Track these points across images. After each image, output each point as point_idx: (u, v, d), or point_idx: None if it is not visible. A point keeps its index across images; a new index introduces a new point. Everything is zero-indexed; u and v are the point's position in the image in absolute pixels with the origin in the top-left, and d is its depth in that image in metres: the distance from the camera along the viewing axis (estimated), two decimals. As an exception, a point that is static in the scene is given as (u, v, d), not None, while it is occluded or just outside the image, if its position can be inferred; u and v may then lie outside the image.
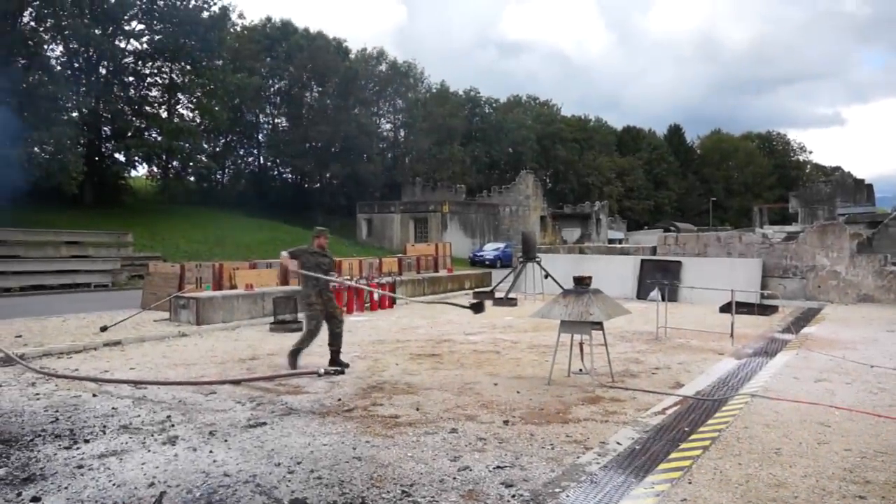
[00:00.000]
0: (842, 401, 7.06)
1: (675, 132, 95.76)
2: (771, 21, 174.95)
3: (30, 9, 34.14)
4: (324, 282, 8.83)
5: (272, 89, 56.24)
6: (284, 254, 8.93)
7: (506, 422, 6.30)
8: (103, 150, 41.10)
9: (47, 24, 35.53)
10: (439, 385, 7.92)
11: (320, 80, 55.06)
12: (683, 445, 5.58)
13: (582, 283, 8.10)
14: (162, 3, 39.79)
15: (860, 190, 54.22)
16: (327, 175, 56.63)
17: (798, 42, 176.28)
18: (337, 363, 8.78)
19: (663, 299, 12.97)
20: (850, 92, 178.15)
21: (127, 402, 7.13)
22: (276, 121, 58.53)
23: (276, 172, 60.34)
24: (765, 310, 15.55)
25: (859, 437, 5.82)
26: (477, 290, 21.29)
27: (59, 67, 36.93)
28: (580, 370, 8.44)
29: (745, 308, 14.57)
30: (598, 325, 7.95)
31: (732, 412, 6.60)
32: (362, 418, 6.42)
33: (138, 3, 39.12)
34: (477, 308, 8.25)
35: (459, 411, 6.70)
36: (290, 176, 60.36)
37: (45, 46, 35.69)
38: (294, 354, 8.78)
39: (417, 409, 6.77)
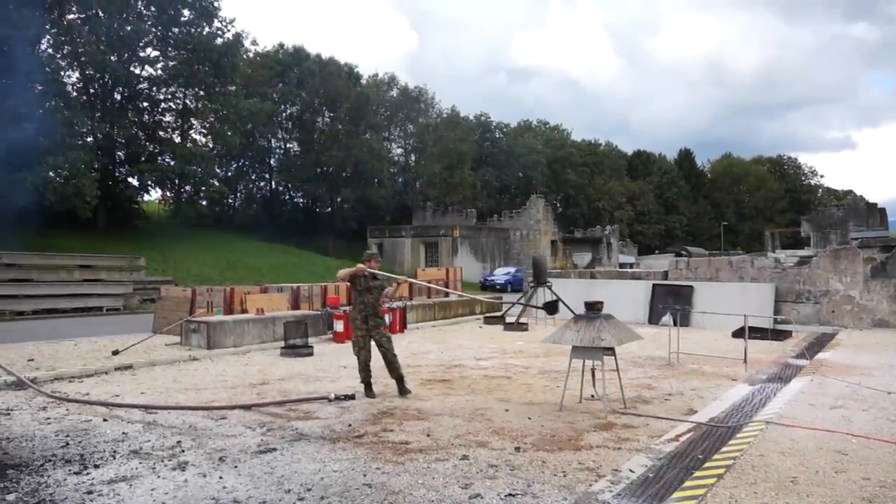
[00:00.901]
0: (859, 428, 6.96)
1: (686, 156, 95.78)
2: (779, 45, 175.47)
3: (48, 36, 34.70)
4: (371, 307, 8.74)
5: (284, 114, 56.66)
6: (341, 272, 8.89)
7: (517, 448, 6.24)
8: (117, 174, 41.44)
9: (64, 51, 36.08)
10: (450, 411, 7.87)
11: (332, 106, 55.48)
12: (698, 473, 5.51)
13: (593, 308, 8.06)
14: (177, 30, 40.33)
15: (873, 214, 53.87)
16: (338, 199, 56.85)
17: (807, 66, 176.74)
18: (402, 391, 8.66)
19: (675, 324, 12.88)
20: (861, 116, 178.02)
21: (137, 426, 7.12)
22: (287, 145, 58.92)
23: (287, 197, 60.68)
24: (778, 335, 15.42)
25: (878, 465, 5.73)
26: (488, 314, 21.23)
27: (74, 93, 37.43)
28: (592, 396, 8.37)
29: (758, 333, 14.45)
30: (610, 351, 7.90)
31: (747, 439, 6.51)
32: (373, 444, 6.38)
33: (154, 30, 39.68)
34: (550, 308, 8.19)
35: (470, 437, 6.64)
36: (301, 200, 60.67)
37: (62, 73, 36.20)
38: (365, 387, 8.76)
39: (428, 436, 6.72)
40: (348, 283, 9.13)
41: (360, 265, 8.79)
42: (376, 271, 8.86)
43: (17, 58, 30.02)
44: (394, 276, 9.12)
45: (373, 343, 8.77)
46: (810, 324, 17.86)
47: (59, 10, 35.50)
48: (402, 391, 8.64)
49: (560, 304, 17.50)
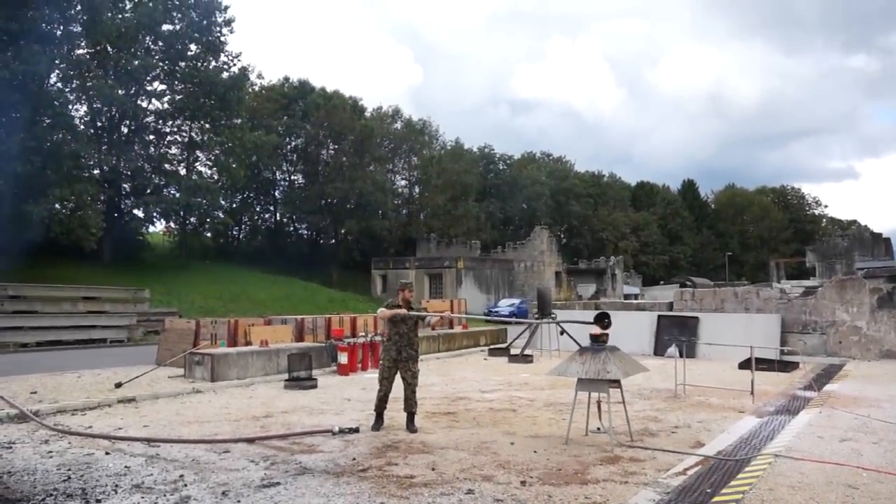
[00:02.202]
0: (869, 461, 6.88)
1: (689, 187, 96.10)
2: (778, 77, 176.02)
3: (57, 70, 35.19)
4: (406, 338, 8.72)
5: (289, 147, 57.10)
6: (382, 310, 8.91)
7: (523, 482, 6.17)
8: (122, 206, 41.74)
9: (73, 85, 36.55)
10: (455, 444, 7.80)
11: (336, 138, 55.92)
12: (706, 508, 5.43)
13: (598, 340, 8.02)
14: (183, 64, 40.89)
15: (878, 244, 53.77)
16: (342, 231, 57.05)
17: (807, 97, 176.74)
18: (409, 427, 8.58)
19: (681, 356, 12.81)
20: (863, 146, 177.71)
21: (140, 460, 7.06)
22: (292, 177, 59.30)
23: (291, 228, 60.90)
24: (785, 366, 15.31)
25: (889, 500, 5.65)
26: (492, 346, 21.15)
27: (82, 126, 37.82)
28: (598, 429, 8.29)
29: (764, 364, 14.36)
30: (616, 383, 7.85)
31: (756, 473, 6.43)
32: (377, 478, 6.31)
33: (161, 64, 40.23)
34: (601, 321, 8.09)
35: (476, 471, 6.57)
36: (305, 232, 60.88)
37: (70, 106, 36.62)
38: (376, 416, 8.73)
39: (433, 469, 6.65)
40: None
41: (403, 310, 8.72)
42: (412, 313, 8.82)
43: (27, 92, 30.44)
44: (432, 313, 9.17)
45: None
46: (817, 355, 17.74)
47: (68, 46, 36.03)
48: (410, 428, 8.58)
49: (566, 336, 17.47)
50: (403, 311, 8.71)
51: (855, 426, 8.70)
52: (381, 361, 8.96)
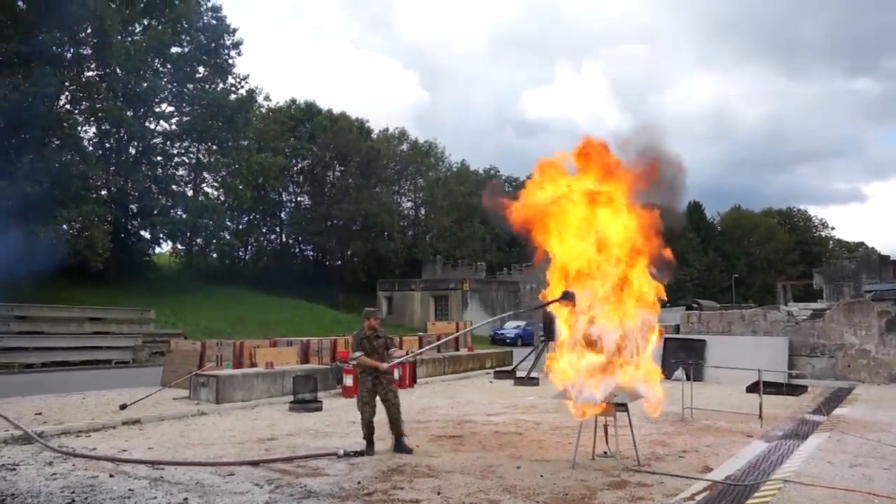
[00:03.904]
0: (881, 487, 6.80)
1: (695, 209, 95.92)
2: (783, 101, 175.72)
3: (66, 92, 35.54)
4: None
5: (295, 168, 57.36)
6: (357, 355, 8.69)
7: (530, 507, 6.11)
8: (129, 227, 41.89)
9: (82, 107, 36.90)
10: (461, 468, 7.74)
11: (343, 160, 56.17)
12: (716, 535, 5.37)
13: (606, 362, 7.96)
14: (191, 86, 41.27)
15: (886, 266, 53.55)
16: (348, 252, 57.11)
17: (812, 121, 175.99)
18: (400, 448, 8.53)
19: (688, 379, 12.72)
20: (869, 168, 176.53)
21: (144, 483, 7.03)
22: (298, 199, 59.51)
23: (297, 250, 60.97)
24: (793, 390, 15.18)
25: (901, 527, 5.57)
26: (498, 369, 21.06)
27: (90, 148, 38.08)
28: (605, 453, 8.23)
29: (772, 388, 14.24)
30: (623, 407, 7.80)
31: (765, 499, 6.36)
32: (382, 503, 6.26)
33: (169, 86, 40.61)
34: (565, 299, 8.03)
35: (482, 496, 6.52)
36: (311, 253, 60.94)
37: (79, 128, 36.91)
38: (367, 444, 8.61)
39: (439, 494, 6.60)
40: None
41: (384, 365, 8.64)
42: (390, 365, 8.80)
43: (36, 114, 30.74)
44: (400, 357, 9.26)
45: (378, 399, 8.67)
46: (825, 378, 17.60)
47: (78, 68, 36.42)
48: (402, 448, 8.52)
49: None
50: (385, 365, 8.62)
51: (865, 451, 8.61)
52: (360, 390, 8.76)
